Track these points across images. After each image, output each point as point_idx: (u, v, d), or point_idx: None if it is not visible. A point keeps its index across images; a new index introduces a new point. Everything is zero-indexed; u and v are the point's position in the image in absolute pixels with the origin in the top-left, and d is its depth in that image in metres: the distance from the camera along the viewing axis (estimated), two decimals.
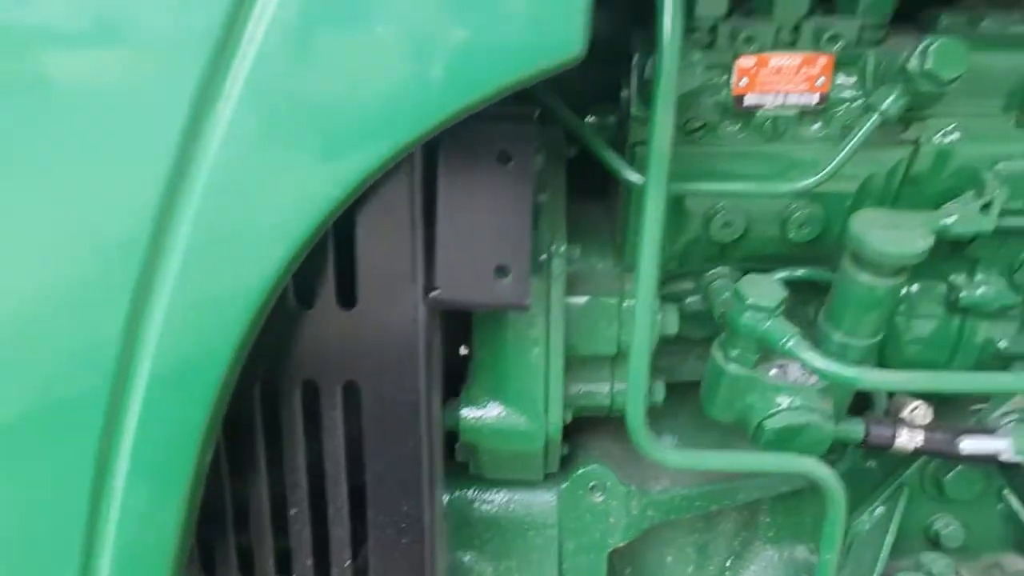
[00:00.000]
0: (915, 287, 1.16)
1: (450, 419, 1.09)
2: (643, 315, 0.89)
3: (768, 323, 1.00)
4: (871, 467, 1.42)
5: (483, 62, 0.63)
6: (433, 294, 0.86)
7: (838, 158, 0.94)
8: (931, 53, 0.87)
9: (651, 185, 0.83)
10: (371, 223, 0.83)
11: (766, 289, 1.01)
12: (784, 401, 1.06)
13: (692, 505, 1.33)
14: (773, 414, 1.05)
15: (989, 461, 1.11)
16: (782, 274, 1.13)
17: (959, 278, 1.13)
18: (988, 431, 1.10)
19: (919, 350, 1.18)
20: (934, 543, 1.37)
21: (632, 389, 0.93)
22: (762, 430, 1.06)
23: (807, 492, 1.42)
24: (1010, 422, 1.08)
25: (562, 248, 1.00)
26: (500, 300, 0.86)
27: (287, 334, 0.88)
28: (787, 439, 1.06)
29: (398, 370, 0.89)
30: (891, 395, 1.20)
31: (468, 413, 1.09)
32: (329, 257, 0.85)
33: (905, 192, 1.06)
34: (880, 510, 1.37)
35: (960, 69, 0.87)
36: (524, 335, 1.04)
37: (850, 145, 0.94)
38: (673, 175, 1.02)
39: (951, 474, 1.32)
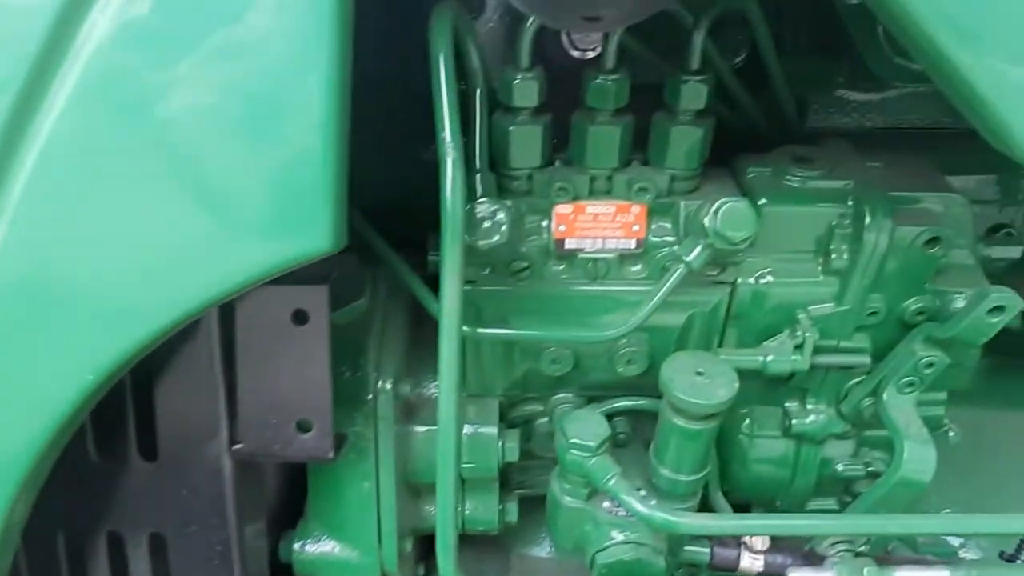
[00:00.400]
0: (756, 410, 1.20)
1: (284, 553, 1.08)
2: (446, 448, 0.90)
3: (592, 461, 1.02)
4: None
5: (230, 260, 0.65)
6: (237, 448, 0.87)
7: (646, 308, 0.98)
8: (720, 216, 0.91)
9: (444, 330, 0.85)
10: (169, 380, 0.84)
11: (590, 427, 1.03)
12: (617, 535, 1.07)
13: None
14: (605, 548, 1.06)
15: None
16: (618, 404, 1.16)
17: (792, 405, 1.17)
18: (818, 561, 1.12)
19: (763, 469, 1.21)
20: None
21: (441, 524, 0.93)
22: (595, 563, 1.07)
23: None
24: (839, 552, 1.10)
25: (388, 385, 1.02)
26: (304, 453, 0.87)
27: (88, 486, 0.88)
28: (620, 572, 1.07)
29: (205, 522, 0.89)
30: None
31: (301, 548, 1.09)
32: (129, 411, 0.85)
33: (732, 326, 1.10)
34: None
35: (748, 231, 0.91)
36: (354, 470, 1.05)
37: (658, 296, 0.97)
38: (501, 313, 1.07)
39: None
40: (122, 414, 0.85)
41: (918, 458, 1.00)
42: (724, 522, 1.03)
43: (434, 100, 0.80)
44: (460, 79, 0.96)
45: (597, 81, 0.93)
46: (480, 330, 1.03)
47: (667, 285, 0.97)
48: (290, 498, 1.11)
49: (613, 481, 1.00)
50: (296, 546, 1.08)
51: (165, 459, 0.87)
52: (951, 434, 1.24)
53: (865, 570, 1.03)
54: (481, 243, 0.92)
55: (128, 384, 0.83)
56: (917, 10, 0.67)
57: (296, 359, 0.84)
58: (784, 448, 1.20)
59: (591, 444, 1.01)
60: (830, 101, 1.32)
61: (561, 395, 1.20)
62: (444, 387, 0.84)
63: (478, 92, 0.96)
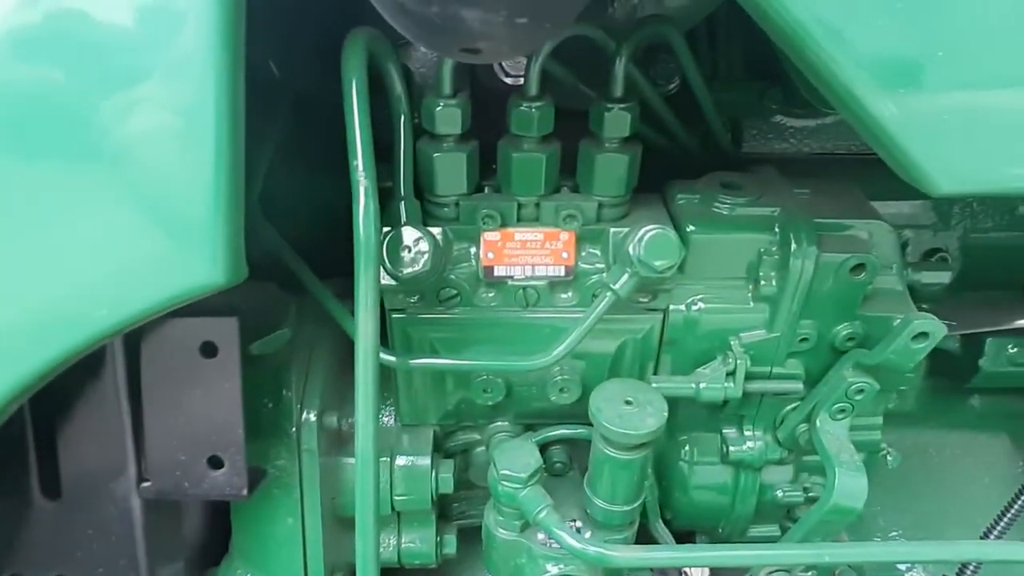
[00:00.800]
0: (695, 437, 1.19)
1: None
2: (364, 482, 0.86)
3: (523, 492, 1.00)
4: None
5: (120, 292, 0.63)
6: (145, 486, 0.84)
7: (573, 336, 0.96)
8: (644, 244, 0.91)
9: (360, 361, 0.83)
10: (73, 415, 0.81)
11: (520, 458, 1.01)
12: (551, 568, 1.05)
13: None
14: None
15: None
16: (554, 432, 1.14)
17: (730, 432, 1.16)
18: None
19: (703, 496, 1.20)
20: None
21: (361, 559, 0.89)
22: None
23: None
24: None
25: (312, 417, 0.99)
26: (216, 491, 0.84)
27: None
28: None
29: (114, 564, 0.86)
30: None
31: None
32: (29, 447, 0.82)
33: (666, 352, 1.10)
34: None
35: (671, 260, 0.91)
36: (279, 505, 1.01)
37: (585, 323, 0.96)
38: (431, 342, 1.05)
39: None
40: (23, 450, 0.81)
41: (849, 486, 1.00)
42: (658, 554, 1.01)
43: (346, 128, 0.79)
44: (384, 105, 0.96)
45: (521, 108, 0.93)
46: (406, 359, 1.01)
47: (594, 313, 0.96)
48: (214, 534, 1.07)
49: (544, 513, 0.98)
50: None
51: (69, 498, 0.83)
52: (889, 458, 1.25)
53: None
54: (404, 272, 0.91)
55: (28, 419, 0.80)
56: (822, 51, 0.67)
57: (206, 393, 0.81)
58: (723, 475, 1.19)
59: (521, 476, 0.99)
60: (767, 127, 1.33)
61: (497, 424, 1.18)
62: (360, 420, 0.82)
63: (402, 118, 0.95)
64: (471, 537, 1.26)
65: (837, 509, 1.00)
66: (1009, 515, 1.27)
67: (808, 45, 0.68)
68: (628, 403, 0.96)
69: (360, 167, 0.78)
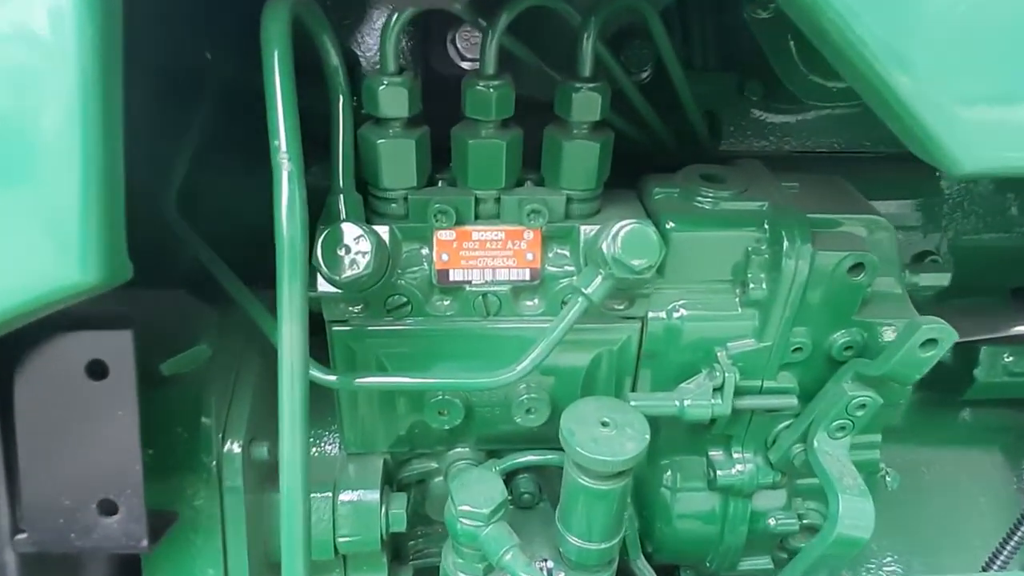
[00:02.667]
0: (678, 459, 1.07)
1: None
2: (291, 528, 0.72)
3: (485, 531, 0.87)
4: None
5: None
6: (20, 538, 0.69)
7: (539, 349, 0.84)
8: (619, 241, 0.79)
9: (284, 382, 0.69)
10: None
11: (482, 491, 0.88)
12: None
13: None
14: None
15: None
16: (521, 459, 1.01)
17: (717, 454, 1.05)
18: None
19: (688, 526, 1.08)
20: None
21: None
22: None
23: None
24: None
25: (236, 448, 0.85)
26: (110, 543, 0.69)
27: None
28: None
29: None
30: None
31: None
32: None
33: (645, 366, 0.98)
34: None
35: (651, 258, 0.80)
36: (197, 553, 0.86)
37: (554, 334, 0.84)
38: (377, 357, 0.92)
39: None
40: None
41: (855, 513, 0.88)
42: None
43: (267, 104, 0.66)
44: (319, 83, 0.84)
45: (477, 88, 0.81)
46: (349, 378, 0.88)
47: (564, 322, 0.84)
48: None
49: (510, 556, 0.84)
50: None
51: None
52: (888, 478, 1.14)
53: None
54: (342, 276, 0.78)
55: None
56: (845, 27, 0.59)
57: (94, 423, 0.67)
58: (710, 502, 1.07)
59: (483, 511, 0.85)
60: (745, 123, 1.24)
61: (457, 450, 1.04)
62: (286, 452, 0.68)
63: (340, 99, 0.83)
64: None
65: (842, 540, 0.89)
66: (1011, 545, 1.18)
67: (828, 17, 0.59)
68: (604, 425, 0.84)
69: (283, 148, 0.65)
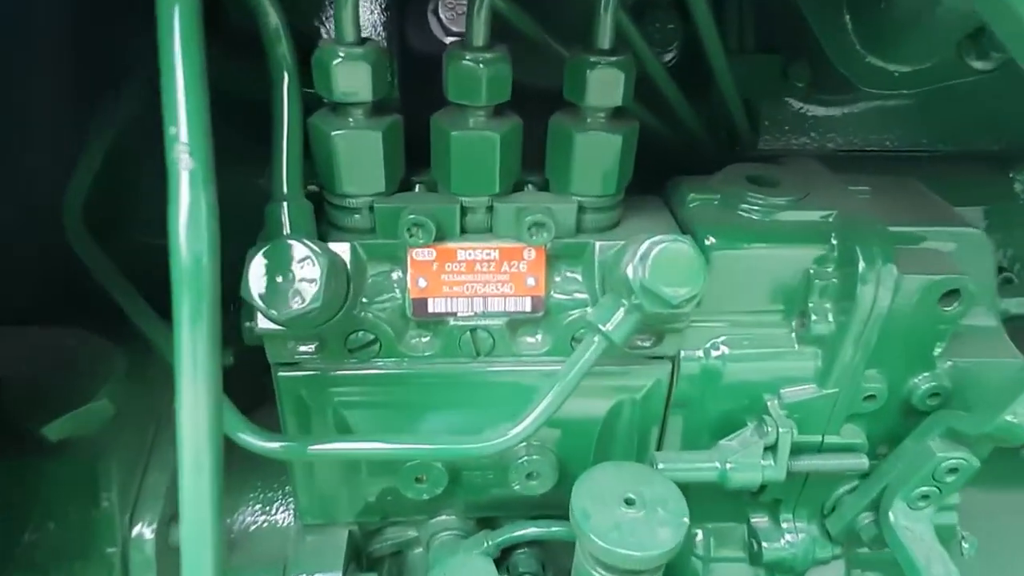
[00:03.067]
0: (713, 530, 0.88)
1: None
2: None
3: None
4: None
5: None
6: None
7: (541, 406, 0.64)
8: (652, 264, 0.60)
9: (184, 449, 0.49)
10: None
11: None
12: None
13: None
14: None
15: None
16: (520, 532, 0.82)
17: (761, 521, 0.85)
18: None
19: None
20: None
21: None
22: None
23: None
24: None
25: (148, 532, 0.65)
26: None
27: None
28: None
29: None
30: None
31: None
32: None
33: (675, 416, 0.79)
34: None
35: (693, 286, 0.60)
36: None
37: (564, 382, 0.64)
38: (337, 411, 0.72)
39: None
40: None
41: None
42: None
43: (162, 80, 0.47)
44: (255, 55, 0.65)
45: (464, 62, 0.62)
46: (300, 444, 0.68)
47: (576, 368, 0.64)
48: None
49: None
50: None
51: None
52: (965, 544, 0.95)
53: None
54: (282, 310, 0.59)
55: None
56: None
57: None
58: (750, 569, 0.88)
59: None
60: (783, 116, 1.05)
61: (441, 518, 0.85)
62: (186, 557, 0.49)
63: (285, 76, 0.64)
64: None
65: None
66: None
67: None
68: (629, 503, 0.65)
69: (182, 136, 0.46)
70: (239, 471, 0.83)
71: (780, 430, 0.72)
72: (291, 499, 0.83)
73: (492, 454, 0.65)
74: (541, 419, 0.64)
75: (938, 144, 1.10)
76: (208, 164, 0.47)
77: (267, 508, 0.83)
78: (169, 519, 0.68)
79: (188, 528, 0.49)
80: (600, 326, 0.64)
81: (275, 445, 0.65)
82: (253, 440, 0.64)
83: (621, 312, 0.64)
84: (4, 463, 0.59)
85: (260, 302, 0.59)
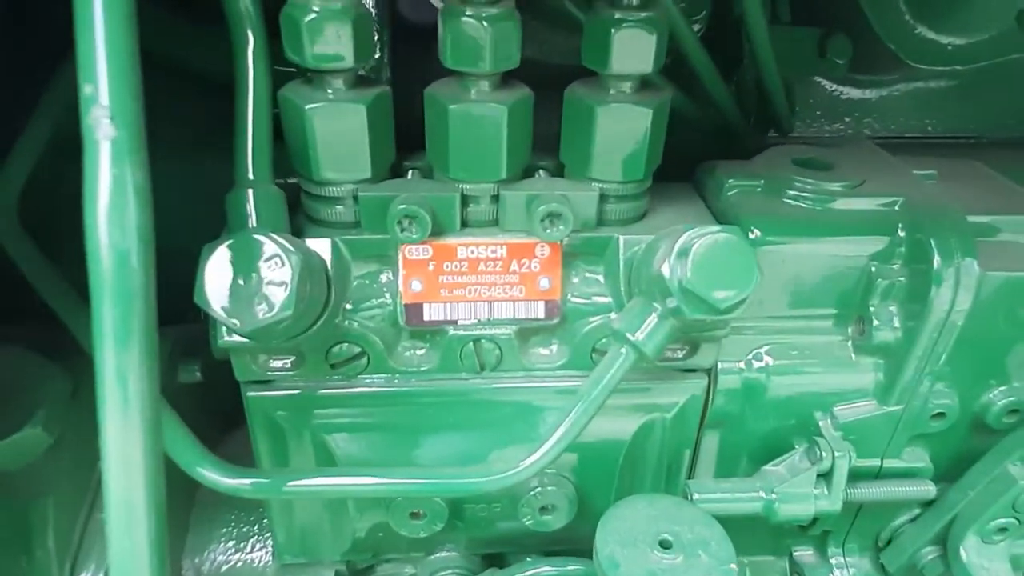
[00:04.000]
0: (746, 561, 0.78)
1: None
2: None
3: None
4: None
5: None
6: None
7: (562, 428, 0.54)
8: (693, 261, 0.50)
9: (110, 487, 0.39)
10: None
11: None
12: None
13: None
14: None
15: None
16: (532, 570, 0.71)
17: (806, 555, 0.75)
18: None
19: None
20: None
21: None
22: None
23: None
24: None
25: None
26: None
27: None
28: None
29: None
30: None
31: None
32: None
33: (713, 434, 0.69)
34: None
35: (743, 288, 0.50)
36: None
37: (586, 403, 0.54)
38: (317, 436, 0.61)
39: None
40: None
41: None
42: None
43: (76, 29, 0.37)
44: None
45: (464, 20, 0.52)
46: (268, 481, 0.57)
47: (603, 383, 0.54)
48: None
49: None
50: None
51: None
52: None
53: None
54: (244, 323, 0.48)
55: None
56: None
57: None
58: None
59: None
60: (815, 99, 0.95)
61: (441, 555, 0.75)
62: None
63: (250, 39, 0.53)
64: None
65: None
66: None
67: None
68: (665, 547, 0.55)
69: (102, 99, 0.36)
70: (209, 503, 0.73)
71: (836, 454, 0.62)
72: (268, 535, 0.72)
73: (499, 488, 0.55)
74: (560, 447, 0.54)
75: (985, 129, 1.00)
76: (137, 132, 0.36)
77: (241, 545, 0.72)
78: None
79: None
80: (628, 335, 0.54)
81: (244, 482, 0.55)
82: (217, 476, 0.53)
83: (653, 318, 0.54)
84: None
85: (219, 311, 0.48)
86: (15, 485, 0.54)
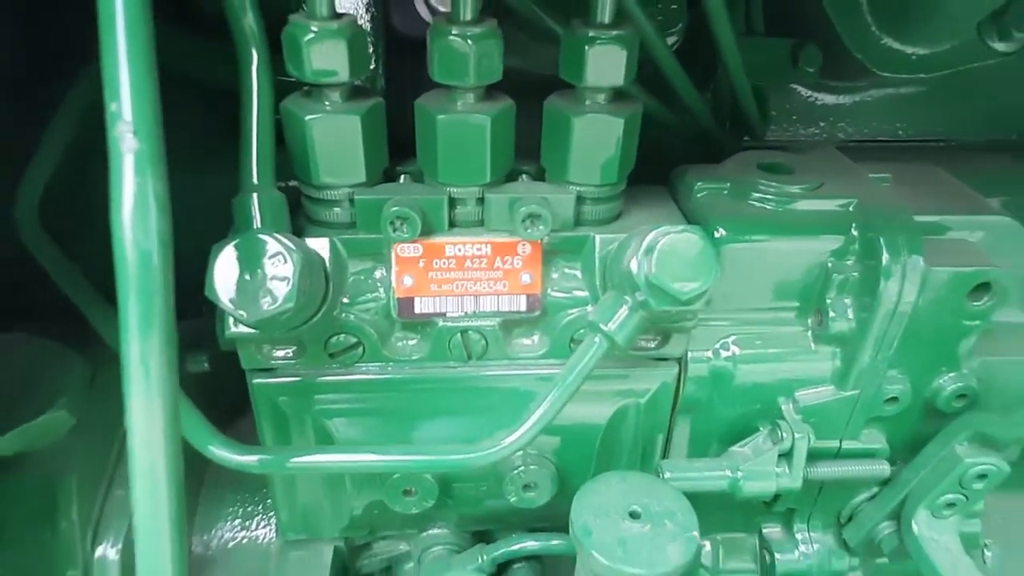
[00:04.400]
0: (723, 543, 0.83)
1: None
2: None
3: None
4: None
5: None
6: None
7: (541, 408, 0.59)
8: (658, 257, 0.55)
9: (135, 469, 0.44)
10: None
11: None
12: None
13: None
14: None
15: None
16: (518, 545, 0.77)
17: (774, 532, 0.80)
18: None
19: None
20: None
21: None
22: None
23: None
24: None
25: (113, 552, 0.60)
26: None
27: None
28: None
29: None
30: None
31: None
32: None
33: (684, 421, 0.74)
34: None
35: (704, 280, 0.55)
36: None
37: (563, 387, 0.59)
38: (318, 420, 0.66)
39: None
40: None
41: None
42: None
43: (102, 48, 0.42)
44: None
45: (451, 38, 0.57)
46: (273, 457, 0.62)
47: (578, 369, 0.59)
48: None
49: None
50: None
51: None
52: (988, 553, 0.90)
53: None
54: (251, 314, 0.53)
55: None
56: None
57: None
58: None
59: None
60: (791, 104, 0.99)
61: (433, 532, 0.80)
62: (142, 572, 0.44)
63: (254, 55, 0.58)
64: None
65: None
66: None
67: None
68: (634, 517, 0.60)
69: (125, 114, 0.41)
70: (216, 485, 0.78)
71: (796, 435, 0.67)
72: (272, 514, 0.78)
73: (486, 464, 0.60)
74: (538, 426, 0.59)
75: (953, 133, 1.05)
76: (156, 145, 0.41)
77: (247, 523, 0.77)
78: (130, 540, 0.63)
79: (145, 560, 0.44)
80: (602, 325, 0.59)
81: (251, 458, 0.60)
82: (226, 454, 0.58)
83: (624, 310, 0.59)
84: None
85: (228, 303, 0.53)
86: (42, 463, 0.60)
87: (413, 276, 0.64)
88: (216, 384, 0.75)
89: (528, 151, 0.67)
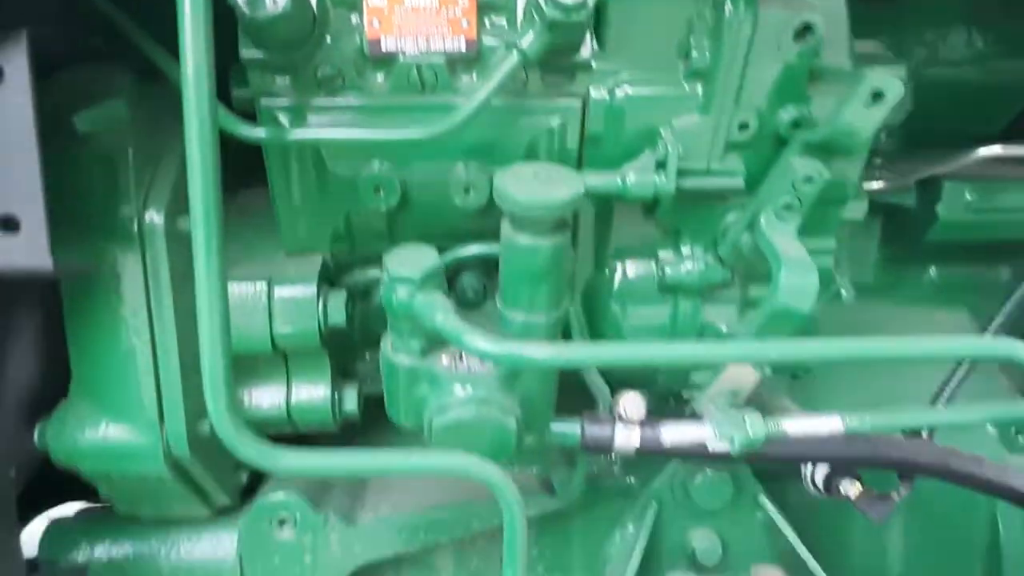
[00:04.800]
0: (629, 268, 1.05)
1: (40, 441, 0.86)
2: (208, 284, 0.69)
3: (418, 297, 0.85)
4: (630, 482, 1.30)
5: None
6: None
7: (472, 105, 0.81)
8: None
9: (193, 133, 0.65)
10: None
11: (413, 258, 0.86)
12: (458, 391, 0.90)
13: (415, 537, 1.15)
14: (443, 408, 0.89)
15: (703, 455, 0.98)
16: (465, 251, 0.99)
17: (667, 254, 1.03)
18: (693, 418, 0.98)
19: (639, 334, 1.06)
20: (692, 561, 1.23)
21: (209, 371, 0.71)
22: (431, 427, 0.89)
23: (575, 518, 1.28)
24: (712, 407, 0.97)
25: (158, 218, 0.82)
26: (11, 262, 0.67)
27: None
28: (461, 437, 0.89)
29: None
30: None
31: (60, 433, 0.87)
32: None
33: (589, 154, 0.96)
34: (630, 528, 1.23)
35: None
36: (119, 320, 0.84)
37: (484, 91, 0.81)
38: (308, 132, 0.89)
39: (697, 480, 1.20)
40: None
41: (796, 284, 0.86)
42: (582, 352, 0.86)
43: None
44: None
45: None
46: (280, 130, 0.84)
47: (500, 74, 0.81)
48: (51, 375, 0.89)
49: (441, 316, 0.82)
50: (53, 432, 0.86)
51: None
52: (844, 292, 1.13)
53: (746, 419, 0.89)
54: (258, 12, 0.74)
55: None
56: None
57: None
58: (661, 309, 1.05)
59: (414, 277, 0.83)
60: None
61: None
62: (197, 212, 0.64)
63: None
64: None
65: (783, 312, 0.87)
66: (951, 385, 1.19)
67: None
68: (544, 181, 0.82)
69: None
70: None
71: (669, 149, 0.89)
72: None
73: (433, 137, 0.83)
74: (470, 112, 0.82)
75: None
76: None
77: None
78: (174, 214, 0.84)
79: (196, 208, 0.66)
80: (517, 43, 0.81)
81: (255, 132, 0.82)
82: (238, 127, 0.80)
83: (533, 33, 0.81)
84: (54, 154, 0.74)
85: (242, 5, 0.75)
86: (104, 143, 0.81)
87: (380, 20, 0.85)
88: None
89: None
